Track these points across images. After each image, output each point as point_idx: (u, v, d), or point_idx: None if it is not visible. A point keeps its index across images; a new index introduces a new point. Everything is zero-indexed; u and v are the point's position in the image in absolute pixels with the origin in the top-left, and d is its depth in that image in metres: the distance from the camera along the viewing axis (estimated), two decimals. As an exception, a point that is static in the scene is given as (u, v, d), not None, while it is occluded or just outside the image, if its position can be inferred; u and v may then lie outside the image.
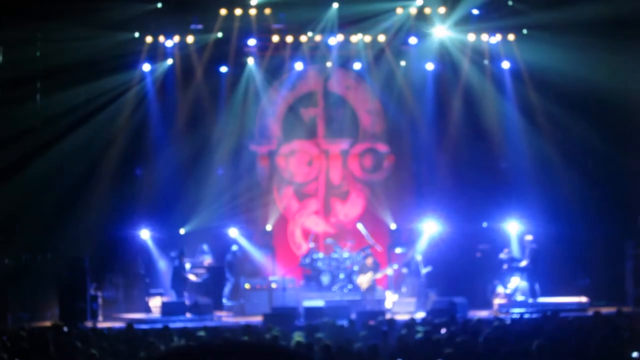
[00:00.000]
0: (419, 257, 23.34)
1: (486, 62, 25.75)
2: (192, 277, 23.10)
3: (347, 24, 24.76)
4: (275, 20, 24.68)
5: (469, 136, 25.45)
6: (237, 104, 25.42)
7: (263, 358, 2.27)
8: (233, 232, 24.41)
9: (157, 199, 24.30)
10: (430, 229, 24.34)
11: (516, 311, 21.66)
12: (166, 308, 21.98)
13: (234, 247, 24.24)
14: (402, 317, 19.50)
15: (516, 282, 22.96)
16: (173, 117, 25.18)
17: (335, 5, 24.29)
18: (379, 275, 23.12)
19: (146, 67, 24.96)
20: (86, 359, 11.86)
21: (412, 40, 25.33)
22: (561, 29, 23.70)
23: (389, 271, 23.29)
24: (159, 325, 17.84)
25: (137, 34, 24.38)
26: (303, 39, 25.01)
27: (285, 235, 25.79)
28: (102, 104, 24.07)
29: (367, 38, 25.21)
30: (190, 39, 24.77)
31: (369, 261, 23.07)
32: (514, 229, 24.49)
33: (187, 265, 23.06)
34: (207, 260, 24.07)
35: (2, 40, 23.04)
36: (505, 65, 25.63)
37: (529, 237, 23.23)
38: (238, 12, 24.26)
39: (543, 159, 25.24)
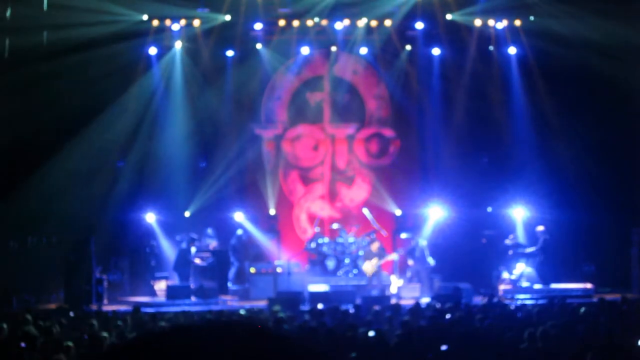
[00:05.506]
0: (424, 243, 23.31)
1: (492, 47, 25.69)
2: (197, 261, 23.14)
3: (347, 6, 24.72)
4: (282, 4, 24.64)
5: (475, 121, 25.39)
6: (243, 87, 25.39)
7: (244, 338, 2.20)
8: (238, 216, 24.43)
9: (162, 182, 24.33)
10: (435, 214, 24.34)
11: (521, 297, 21.67)
12: (171, 291, 22.00)
13: (239, 231, 24.25)
14: (407, 302, 19.50)
15: (521, 268, 22.95)
16: (179, 100, 25.16)
17: None
18: (387, 258, 23.12)
19: (152, 50, 24.94)
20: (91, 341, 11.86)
21: (419, 25, 25.29)
22: (567, 14, 23.64)
23: (395, 256, 23.27)
24: (164, 309, 17.90)
25: (145, 17, 24.33)
26: (309, 23, 24.96)
27: (290, 220, 25.80)
28: (107, 84, 23.90)
29: (374, 23, 25.17)
30: (196, 22, 24.73)
31: (375, 246, 23.05)
32: (520, 214, 24.48)
33: (193, 249, 23.09)
34: (213, 244, 24.08)
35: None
36: (512, 50, 25.57)
37: (541, 228, 23.14)
38: (244, -5, 24.26)
39: (549, 144, 25.19)
